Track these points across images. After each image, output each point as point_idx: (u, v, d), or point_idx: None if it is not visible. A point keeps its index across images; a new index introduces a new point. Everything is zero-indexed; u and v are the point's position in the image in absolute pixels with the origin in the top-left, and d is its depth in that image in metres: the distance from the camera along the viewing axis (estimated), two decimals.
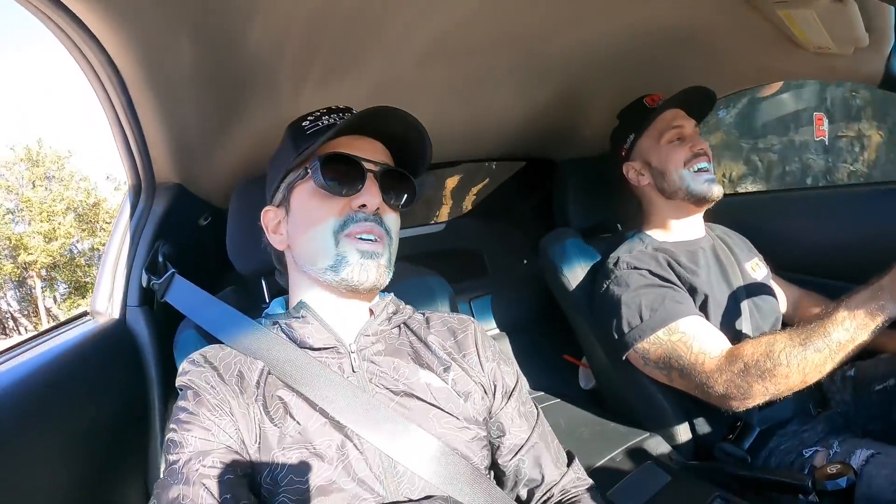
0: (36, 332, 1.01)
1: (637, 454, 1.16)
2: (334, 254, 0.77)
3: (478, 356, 0.86)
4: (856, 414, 1.17)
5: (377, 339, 0.82)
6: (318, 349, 0.78)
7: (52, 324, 1.13)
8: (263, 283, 1.05)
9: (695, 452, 1.21)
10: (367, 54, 1.03)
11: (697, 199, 1.24)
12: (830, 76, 1.35)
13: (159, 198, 1.11)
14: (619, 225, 1.57)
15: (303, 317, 0.80)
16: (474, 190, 6.32)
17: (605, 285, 1.23)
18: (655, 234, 1.32)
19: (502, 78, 1.28)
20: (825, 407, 1.20)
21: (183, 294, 0.97)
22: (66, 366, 0.90)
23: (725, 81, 1.47)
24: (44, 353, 0.89)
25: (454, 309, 1.20)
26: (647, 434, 1.22)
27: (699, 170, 1.23)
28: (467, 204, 6.36)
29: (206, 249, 1.19)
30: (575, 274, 1.40)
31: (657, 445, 1.19)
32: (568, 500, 0.80)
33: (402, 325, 0.88)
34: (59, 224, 17.40)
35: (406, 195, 0.85)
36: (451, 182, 6.64)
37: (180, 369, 0.76)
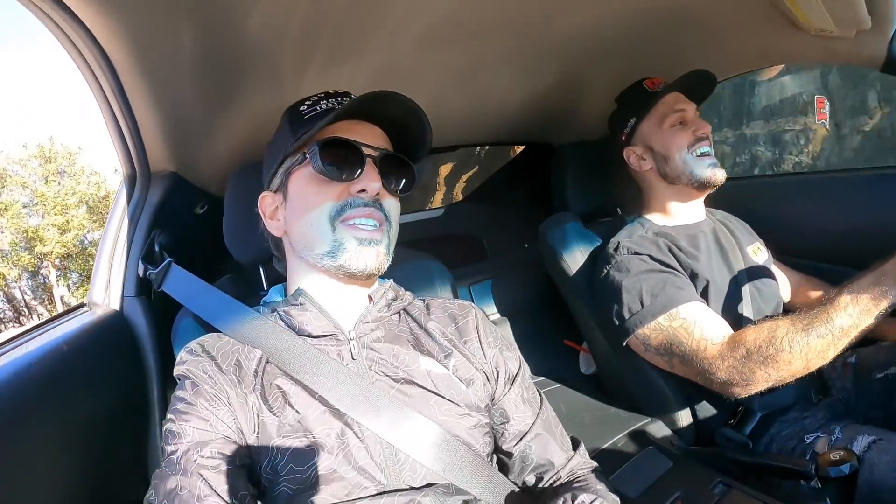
0: (34, 325, 0.98)
1: (638, 439, 1.14)
2: (331, 239, 0.75)
3: (479, 342, 0.84)
4: (857, 401, 1.15)
5: (377, 326, 0.80)
6: (317, 336, 0.76)
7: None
8: (261, 270, 1.02)
9: (696, 438, 1.19)
10: (367, 39, 1.00)
11: (700, 184, 1.21)
12: (832, 59, 1.31)
13: (155, 187, 1.08)
14: (618, 209, 1.53)
15: (301, 304, 0.78)
16: (472, 175, 6.31)
17: (606, 270, 1.20)
18: (655, 219, 1.29)
19: (502, 62, 1.25)
20: (826, 394, 1.18)
21: (180, 283, 0.95)
22: (64, 357, 0.88)
23: (725, 64, 1.43)
24: (41, 345, 0.87)
25: (454, 294, 1.18)
26: (649, 419, 1.20)
27: (702, 154, 1.20)
28: (465, 189, 6.35)
29: (202, 238, 1.16)
30: (574, 259, 1.38)
31: (658, 430, 1.17)
32: (575, 479, 0.79)
33: (401, 312, 0.86)
34: (73, 216, 17.75)
35: (405, 180, 0.82)
36: (449, 167, 6.63)
37: (178, 359, 0.74)
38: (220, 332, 0.80)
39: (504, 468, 0.82)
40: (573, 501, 0.72)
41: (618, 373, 1.32)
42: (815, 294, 1.32)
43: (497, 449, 0.82)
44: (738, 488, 0.90)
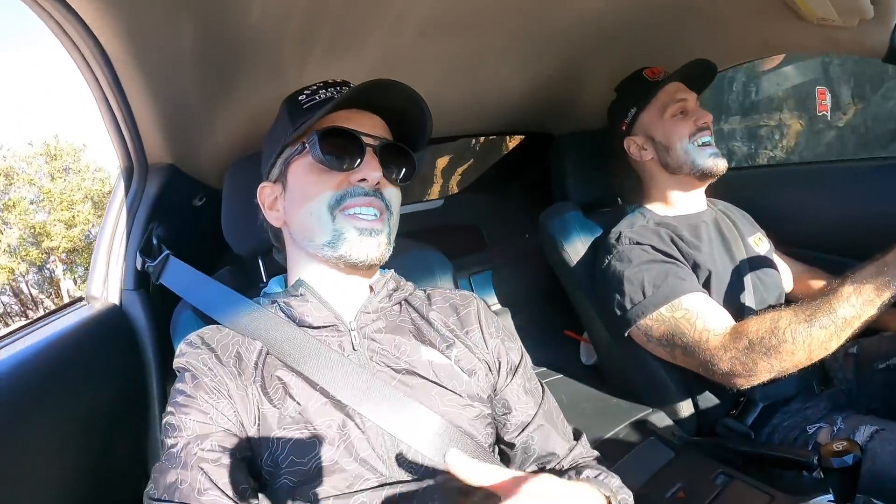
0: (31, 319, 0.96)
1: (640, 430, 1.13)
2: (331, 229, 0.73)
3: (481, 332, 0.83)
4: (858, 392, 1.14)
5: (378, 317, 0.79)
6: (318, 327, 0.75)
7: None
8: (261, 262, 1.01)
9: (698, 428, 1.18)
10: (369, 29, 0.98)
11: (702, 174, 1.20)
12: (834, 49, 1.28)
13: (152, 179, 1.06)
14: (619, 199, 1.52)
15: (301, 295, 0.76)
16: (467, 168, 6.33)
17: (607, 261, 1.18)
18: (657, 209, 1.28)
19: (502, 51, 1.23)
20: (828, 385, 1.16)
21: (178, 275, 0.93)
22: (62, 352, 0.87)
23: (726, 54, 1.41)
24: (39, 340, 0.86)
25: (455, 285, 1.17)
26: (650, 409, 1.19)
27: (703, 144, 1.19)
28: (461, 182, 6.37)
29: (202, 230, 1.15)
30: (575, 249, 1.36)
31: (660, 421, 1.16)
32: (577, 466, 0.78)
33: (403, 302, 0.84)
34: (79, 212, 17.86)
35: (405, 169, 0.81)
36: (446, 160, 6.64)
37: (178, 351, 0.73)
38: (219, 324, 0.78)
39: (506, 459, 0.81)
40: (577, 476, 0.71)
41: (619, 363, 1.31)
42: (817, 284, 1.30)
43: (499, 440, 0.81)
44: (739, 479, 0.89)
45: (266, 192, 0.82)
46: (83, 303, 1.03)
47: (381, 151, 0.76)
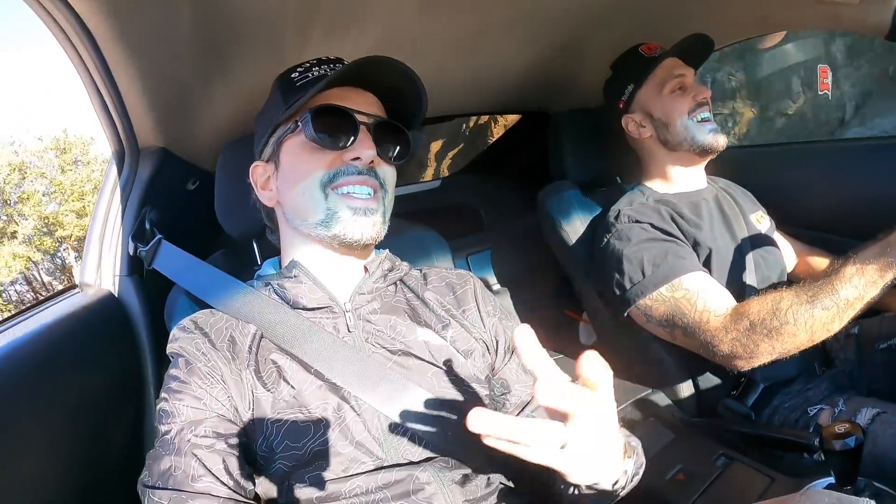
0: (23, 308, 0.94)
1: (639, 411, 1.12)
2: (324, 208, 0.71)
3: (478, 311, 0.81)
4: (860, 373, 1.12)
5: (373, 298, 0.77)
6: (312, 309, 0.73)
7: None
8: (255, 245, 0.99)
9: (698, 409, 1.15)
10: (370, 6, 0.95)
11: (702, 150, 1.16)
12: (835, 26, 1.25)
13: (144, 163, 1.03)
14: (618, 178, 1.48)
15: (295, 276, 0.75)
16: (467, 148, 6.32)
17: (606, 239, 1.15)
18: (656, 186, 1.24)
19: (504, 29, 1.19)
20: (829, 366, 1.15)
21: (170, 260, 0.91)
22: (56, 340, 0.85)
23: (726, 30, 1.36)
24: (33, 328, 0.84)
25: (452, 265, 1.14)
26: (650, 390, 1.17)
27: (703, 119, 1.15)
28: (451, 166, 6.42)
29: (196, 214, 1.11)
30: (574, 228, 1.33)
31: (660, 402, 1.15)
32: None
33: (398, 282, 0.82)
34: (89, 202, 18.32)
35: (400, 147, 0.78)
36: (439, 143, 6.63)
37: (171, 336, 0.71)
38: (213, 308, 0.76)
39: None
40: None
41: (619, 344, 1.28)
42: (818, 265, 1.28)
43: None
44: (740, 461, 0.88)
45: (258, 172, 0.80)
46: (76, 290, 1.01)
47: (376, 129, 0.74)
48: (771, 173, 1.46)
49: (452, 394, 0.71)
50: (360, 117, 0.72)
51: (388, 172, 0.77)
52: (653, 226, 1.10)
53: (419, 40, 1.12)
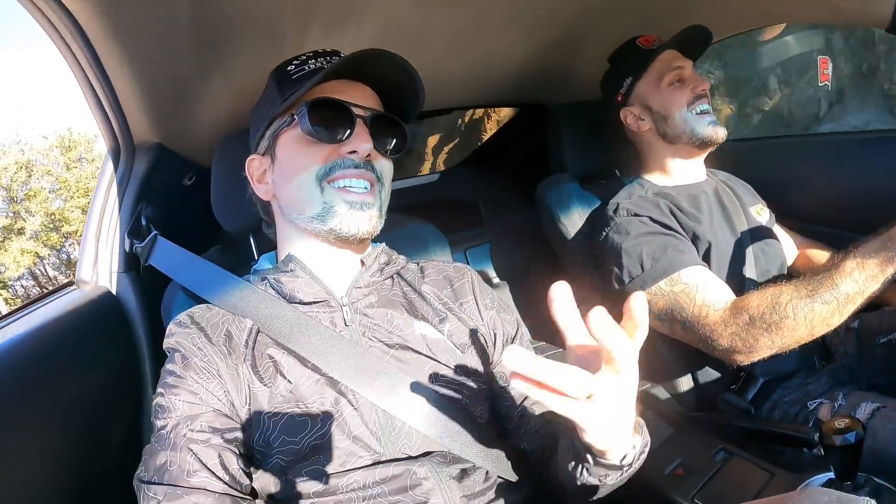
0: (20, 305, 0.93)
1: (638, 405, 1.08)
2: (320, 201, 0.70)
3: (476, 304, 0.81)
4: (860, 367, 1.11)
5: (370, 291, 0.76)
6: (309, 303, 0.72)
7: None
8: (252, 240, 0.98)
9: (697, 403, 1.14)
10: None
11: (701, 142, 1.15)
12: (836, 18, 1.24)
13: (139, 159, 1.02)
14: (616, 171, 1.46)
15: (291, 270, 0.74)
16: (467, 141, 6.31)
17: (605, 233, 1.14)
18: (655, 179, 1.23)
19: (504, 21, 1.18)
20: (829, 360, 1.13)
21: (166, 256, 0.90)
22: (52, 337, 0.85)
23: (726, 22, 1.35)
24: (29, 326, 0.83)
25: (451, 259, 1.14)
26: (649, 384, 1.16)
27: (702, 112, 1.14)
28: (458, 156, 6.39)
29: (193, 210, 1.11)
30: (573, 221, 1.32)
31: (659, 396, 1.13)
32: None
33: (395, 276, 0.82)
34: None
35: (396, 140, 0.78)
36: (442, 132, 6.62)
37: (167, 331, 0.70)
38: (209, 303, 0.76)
39: (503, 434, 0.78)
40: None
41: None
42: (818, 259, 1.26)
43: (496, 414, 0.78)
44: (739, 455, 0.86)
45: (255, 165, 0.79)
46: (73, 287, 1.01)
47: (372, 123, 0.73)
48: (771, 166, 1.44)
49: (450, 388, 0.71)
50: (356, 110, 0.72)
51: (385, 166, 0.76)
52: (652, 219, 1.09)
53: (417, 34, 1.10)
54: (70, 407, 0.82)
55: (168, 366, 0.66)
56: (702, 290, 0.97)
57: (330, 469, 0.63)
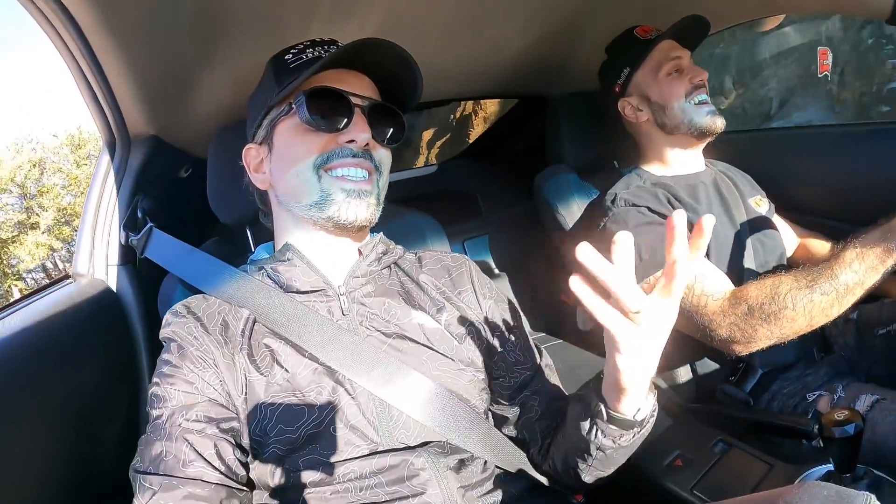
0: (16, 299, 0.91)
1: None
2: (318, 189, 0.69)
3: (474, 293, 0.80)
4: (859, 358, 1.09)
5: (367, 281, 0.75)
6: (306, 292, 0.71)
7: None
8: (248, 232, 0.97)
9: (696, 394, 1.13)
10: None
11: (700, 133, 1.13)
12: (836, 9, 1.24)
13: (135, 151, 1.00)
14: (615, 161, 1.45)
15: (289, 259, 0.73)
16: (457, 134, 6.29)
17: (602, 223, 1.12)
18: (653, 169, 1.21)
19: (506, 11, 1.16)
20: (828, 351, 1.12)
21: (162, 248, 0.89)
22: (49, 331, 0.83)
23: (726, 13, 1.32)
24: (25, 319, 0.82)
25: (449, 250, 1.12)
26: None
27: (700, 102, 1.12)
28: (455, 147, 6.38)
29: (189, 202, 1.09)
30: (571, 212, 1.30)
31: (658, 387, 1.08)
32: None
33: (392, 265, 0.81)
34: None
35: (394, 130, 0.76)
36: (437, 125, 6.60)
37: (164, 321, 0.70)
38: (206, 294, 0.75)
39: (501, 423, 0.77)
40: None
41: None
42: (818, 250, 1.24)
43: (494, 403, 0.77)
44: (738, 447, 0.85)
45: (251, 154, 0.78)
46: (69, 280, 0.99)
47: (370, 112, 0.72)
48: (771, 157, 1.42)
49: (447, 377, 0.70)
50: (354, 100, 0.71)
51: (383, 155, 0.75)
52: (650, 209, 1.07)
53: (418, 24, 1.08)
54: (67, 400, 0.81)
55: (164, 355, 0.66)
56: (700, 280, 0.95)
57: (327, 459, 0.62)
